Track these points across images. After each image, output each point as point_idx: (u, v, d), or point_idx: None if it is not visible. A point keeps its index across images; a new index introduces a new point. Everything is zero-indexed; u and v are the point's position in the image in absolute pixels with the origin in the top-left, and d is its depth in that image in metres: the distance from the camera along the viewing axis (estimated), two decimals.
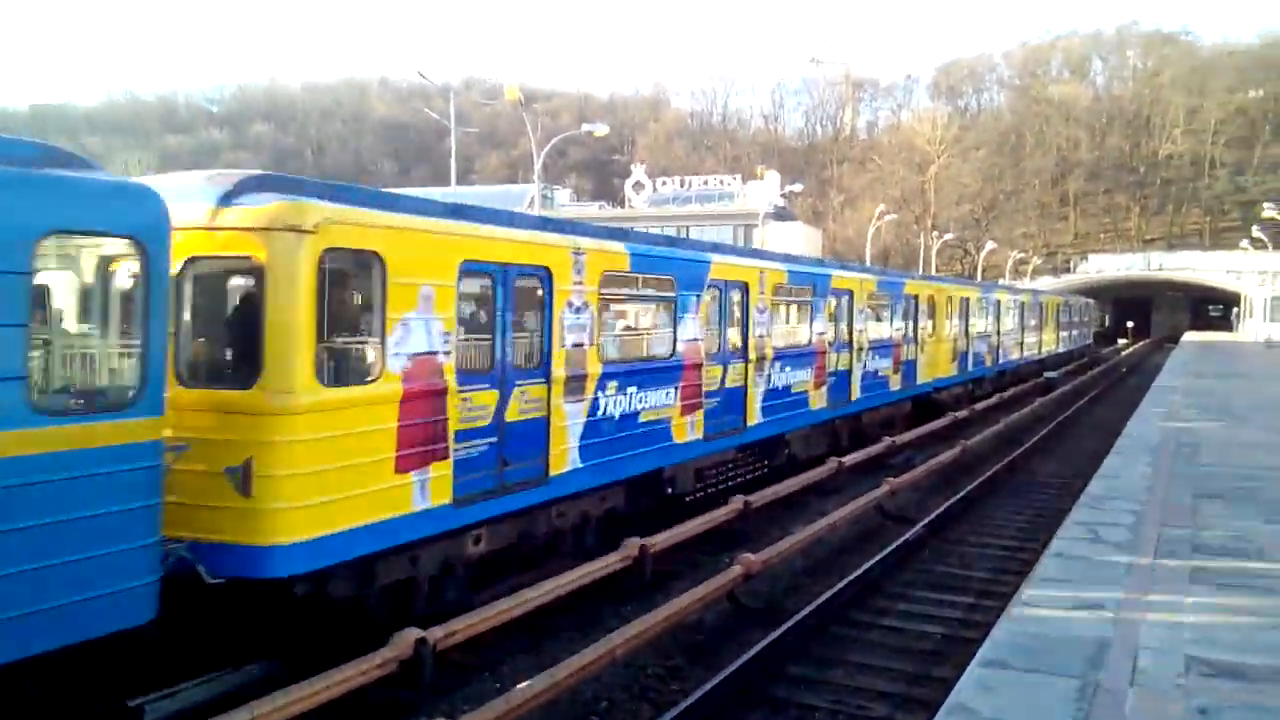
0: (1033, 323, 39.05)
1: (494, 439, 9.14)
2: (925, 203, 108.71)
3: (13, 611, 5.43)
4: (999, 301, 32.64)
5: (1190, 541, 9.46)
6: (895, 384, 21.40)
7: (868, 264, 57.59)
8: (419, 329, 8.18)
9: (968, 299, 27.94)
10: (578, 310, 10.42)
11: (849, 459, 16.64)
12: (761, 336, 14.96)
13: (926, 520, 13.19)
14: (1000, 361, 32.66)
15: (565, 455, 10.19)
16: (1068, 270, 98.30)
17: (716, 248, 15.63)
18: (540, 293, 9.99)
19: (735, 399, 14.11)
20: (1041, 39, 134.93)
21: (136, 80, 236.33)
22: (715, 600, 9.59)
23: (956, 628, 9.53)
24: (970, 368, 28.36)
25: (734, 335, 14.30)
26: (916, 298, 22.90)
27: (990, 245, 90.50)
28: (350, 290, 8.25)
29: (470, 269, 8.92)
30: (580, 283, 10.46)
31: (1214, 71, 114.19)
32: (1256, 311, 69.00)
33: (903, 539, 12.12)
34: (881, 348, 20.20)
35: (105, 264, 7.13)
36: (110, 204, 6.19)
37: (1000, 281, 68.40)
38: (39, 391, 6.08)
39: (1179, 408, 21.71)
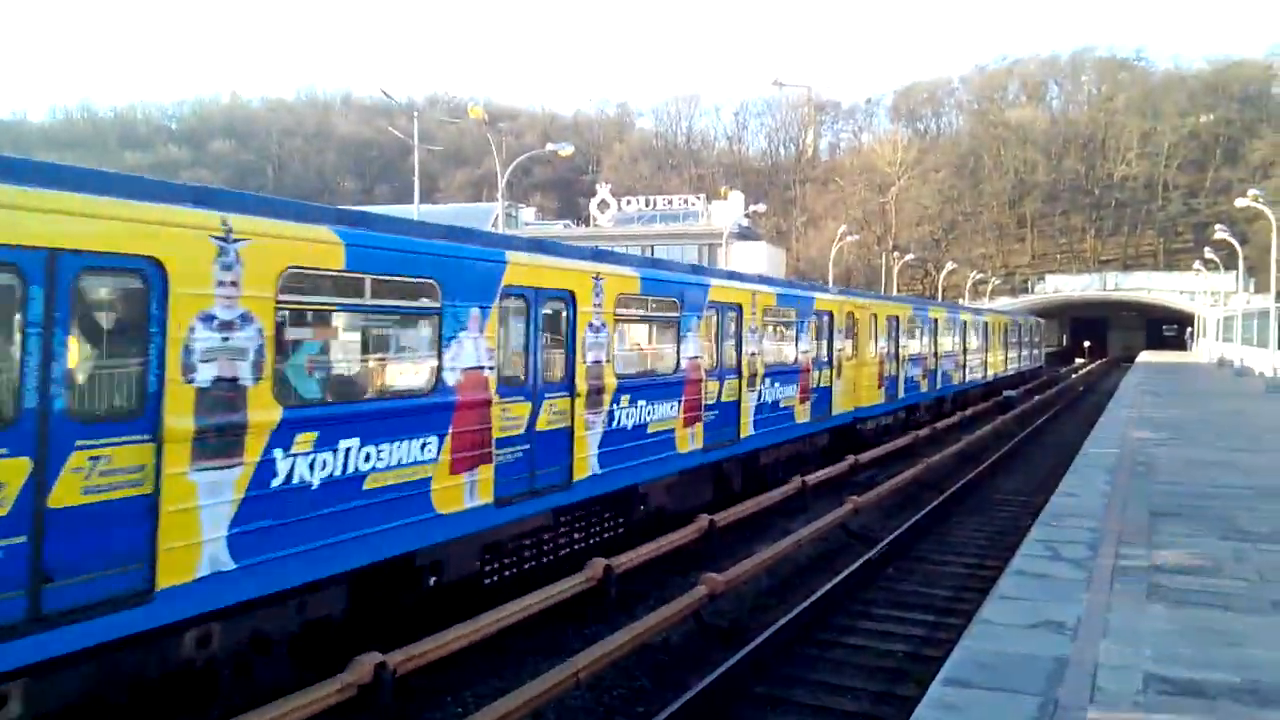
0: (976, 343, 36.51)
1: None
2: (886, 223, 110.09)
3: None
4: (936, 320, 29.69)
5: (1148, 559, 9.57)
6: (802, 415, 18.24)
7: (829, 284, 57.81)
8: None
9: (897, 317, 25.03)
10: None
11: (812, 478, 16.69)
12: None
13: (889, 539, 13.26)
14: (939, 386, 29.98)
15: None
16: (1025, 290, 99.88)
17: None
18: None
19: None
20: (998, 64, 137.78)
21: (93, 95, 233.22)
22: (680, 621, 9.56)
23: (919, 646, 9.57)
24: (902, 394, 25.38)
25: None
26: (832, 315, 19.99)
27: (950, 266, 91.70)
28: None
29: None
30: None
31: (1166, 96, 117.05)
32: (1209, 331, 70.37)
33: (865, 558, 12.17)
34: (784, 373, 17.24)
35: None
36: None
37: (960, 302, 69.21)
38: None
39: (1135, 427, 22.05)
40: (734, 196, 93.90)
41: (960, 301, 73.14)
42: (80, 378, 6.23)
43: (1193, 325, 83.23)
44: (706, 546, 12.67)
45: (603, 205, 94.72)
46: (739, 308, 15.35)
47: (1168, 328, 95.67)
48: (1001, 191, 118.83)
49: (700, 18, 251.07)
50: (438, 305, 8.84)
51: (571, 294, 10.92)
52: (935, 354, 29.19)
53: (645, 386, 12.49)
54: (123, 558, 6.18)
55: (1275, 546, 10.06)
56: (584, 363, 11.03)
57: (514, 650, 9.18)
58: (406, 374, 9.29)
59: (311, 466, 7.46)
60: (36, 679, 5.91)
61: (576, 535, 11.61)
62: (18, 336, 5.80)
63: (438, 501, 8.77)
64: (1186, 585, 8.62)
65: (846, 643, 9.69)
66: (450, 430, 8.90)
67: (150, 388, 6.38)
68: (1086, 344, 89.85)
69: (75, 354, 6.11)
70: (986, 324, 38.73)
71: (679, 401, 13.18)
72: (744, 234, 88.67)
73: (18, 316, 5.77)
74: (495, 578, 10.12)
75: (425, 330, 9.04)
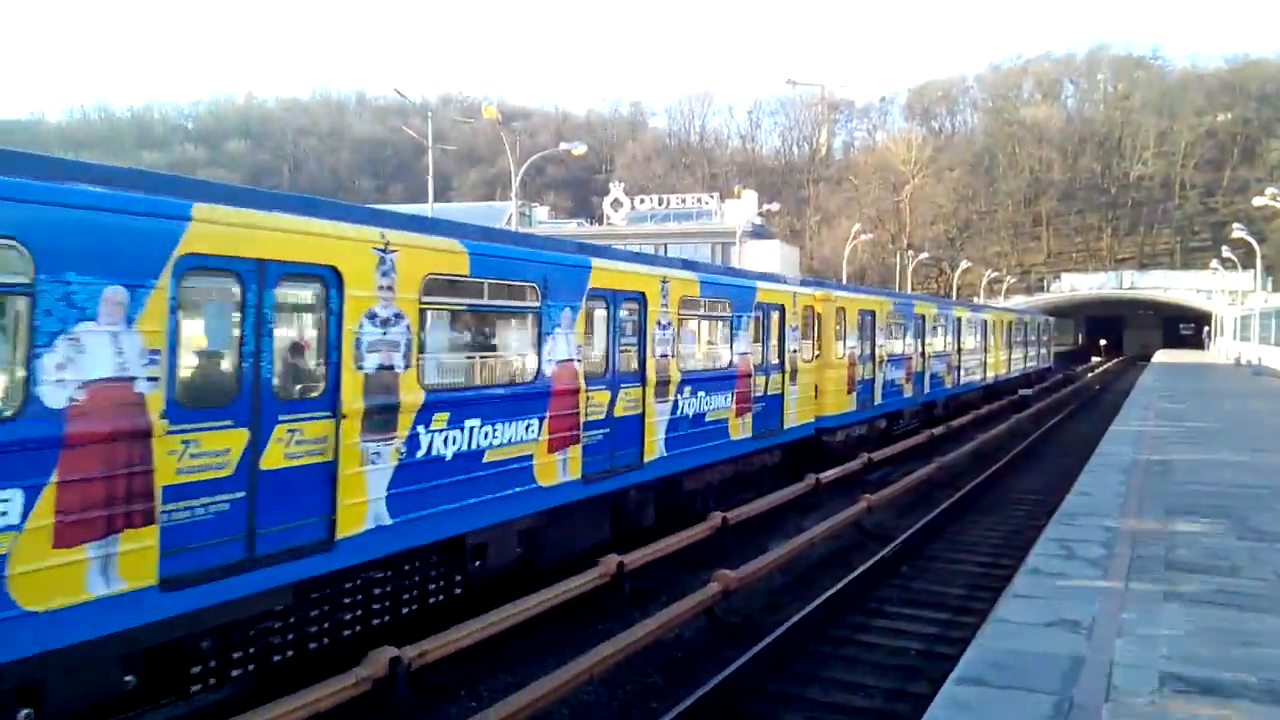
0: (973, 343, 33.06)
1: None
2: (900, 222, 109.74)
3: None
4: (924, 316, 26.37)
5: (1164, 558, 9.52)
6: (740, 430, 14.91)
7: (843, 281, 57.54)
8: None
9: (873, 312, 21.82)
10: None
11: (826, 476, 16.67)
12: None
13: (903, 537, 13.23)
14: (927, 390, 26.79)
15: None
16: (1041, 289, 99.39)
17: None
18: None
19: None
20: (1013, 62, 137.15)
21: (110, 95, 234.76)
22: (693, 617, 9.57)
23: (933, 644, 9.54)
24: (879, 399, 22.22)
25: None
26: (783, 309, 16.76)
27: (964, 264, 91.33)
28: None
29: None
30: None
31: (1183, 95, 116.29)
32: (1227, 330, 69.89)
33: (879, 555, 12.14)
34: (711, 381, 14.10)
35: None
36: None
37: (974, 301, 68.87)
38: None
39: (1151, 426, 21.93)
40: (747, 195, 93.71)
41: (975, 300, 72.77)
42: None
43: (1209, 324, 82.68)
44: (719, 544, 12.67)
45: (616, 204, 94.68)
46: (642, 297, 12.33)
47: (1184, 327, 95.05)
48: (1017, 190, 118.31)
49: (713, 17, 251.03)
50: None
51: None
52: (923, 354, 26.08)
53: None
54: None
55: None
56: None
57: (527, 645, 9.20)
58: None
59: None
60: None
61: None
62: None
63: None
64: (1203, 584, 8.56)
65: (860, 640, 9.67)
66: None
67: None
68: (1102, 343, 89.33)
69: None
70: (986, 322, 35.48)
71: (539, 420, 10.30)
72: (757, 233, 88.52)
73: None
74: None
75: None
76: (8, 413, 5.58)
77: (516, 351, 10.59)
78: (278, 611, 7.41)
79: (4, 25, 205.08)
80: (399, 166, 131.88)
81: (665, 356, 12.67)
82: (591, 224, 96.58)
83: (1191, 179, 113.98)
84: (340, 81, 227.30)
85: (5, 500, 5.47)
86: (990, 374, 35.81)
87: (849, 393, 20.14)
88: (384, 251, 8.07)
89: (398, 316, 8.18)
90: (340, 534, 7.54)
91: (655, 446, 12.11)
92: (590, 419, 11.00)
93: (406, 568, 8.74)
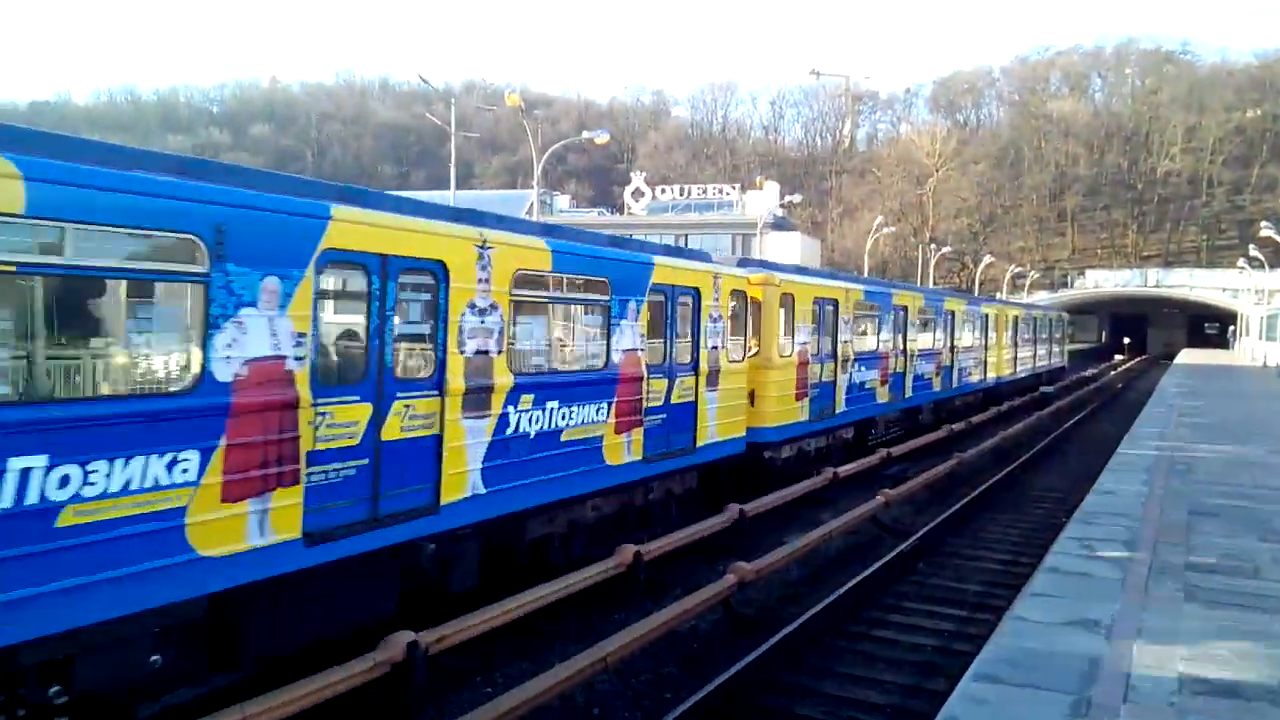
0: (971, 340, 29.28)
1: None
2: (923, 215, 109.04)
3: None
4: (905, 308, 22.51)
5: (1185, 559, 9.45)
6: (621, 452, 11.27)
7: (865, 274, 56.97)
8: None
9: (835, 301, 18.04)
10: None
11: (843, 470, 16.61)
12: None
13: (921, 533, 13.18)
14: (909, 394, 22.97)
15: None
16: (1065, 285, 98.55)
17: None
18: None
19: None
20: (1040, 55, 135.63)
21: (136, 77, 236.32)
22: (709, 608, 9.57)
23: (950, 640, 9.51)
24: (842, 406, 18.47)
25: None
26: (698, 292, 12.96)
27: (988, 259, 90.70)
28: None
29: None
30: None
31: (1212, 90, 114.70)
32: (1253, 329, 69.10)
33: (897, 550, 12.11)
34: (575, 386, 10.51)
35: None
36: None
37: (997, 296, 68.32)
38: None
39: (1174, 426, 21.74)
40: (769, 186, 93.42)
41: (997, 295, 72.14)
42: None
43: (1235, 323, 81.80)
44: (735, 536, 12.66)
45: (637, 194, 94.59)
46: (441, 268, 8.57)
47: (1210, 325, 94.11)
48: (1042, 184, 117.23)
49: (738, 6, 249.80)
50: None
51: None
52: (905, 352, 22.42)
53: None
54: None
55: None
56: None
57: (543, 633, 9.24)
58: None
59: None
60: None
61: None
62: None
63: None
64: (1224, 586, 8.50)
65: (876, 635, 9.65)
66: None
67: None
68: (1126, 341, 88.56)
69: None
70: (987, 316, 31.64)
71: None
72: (778, 224, 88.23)
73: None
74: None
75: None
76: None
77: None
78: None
79: (34, 8, 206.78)
80: (421, 153, 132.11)
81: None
82: (612, 214, 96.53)
83: (1219, 176, 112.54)
84: (364, 67, 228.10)
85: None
86: (991, 375, 32.24)
87: (799, 399, 16.53)
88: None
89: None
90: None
91: (464, 481, 8.70)
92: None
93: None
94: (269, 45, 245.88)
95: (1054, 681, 6.19)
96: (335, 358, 8.01)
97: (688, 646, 9.23)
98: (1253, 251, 69.27)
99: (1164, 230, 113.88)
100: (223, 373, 6.48)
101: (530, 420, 9.56)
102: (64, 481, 5.63)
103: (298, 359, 7.04)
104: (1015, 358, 36.54)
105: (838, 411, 18.37)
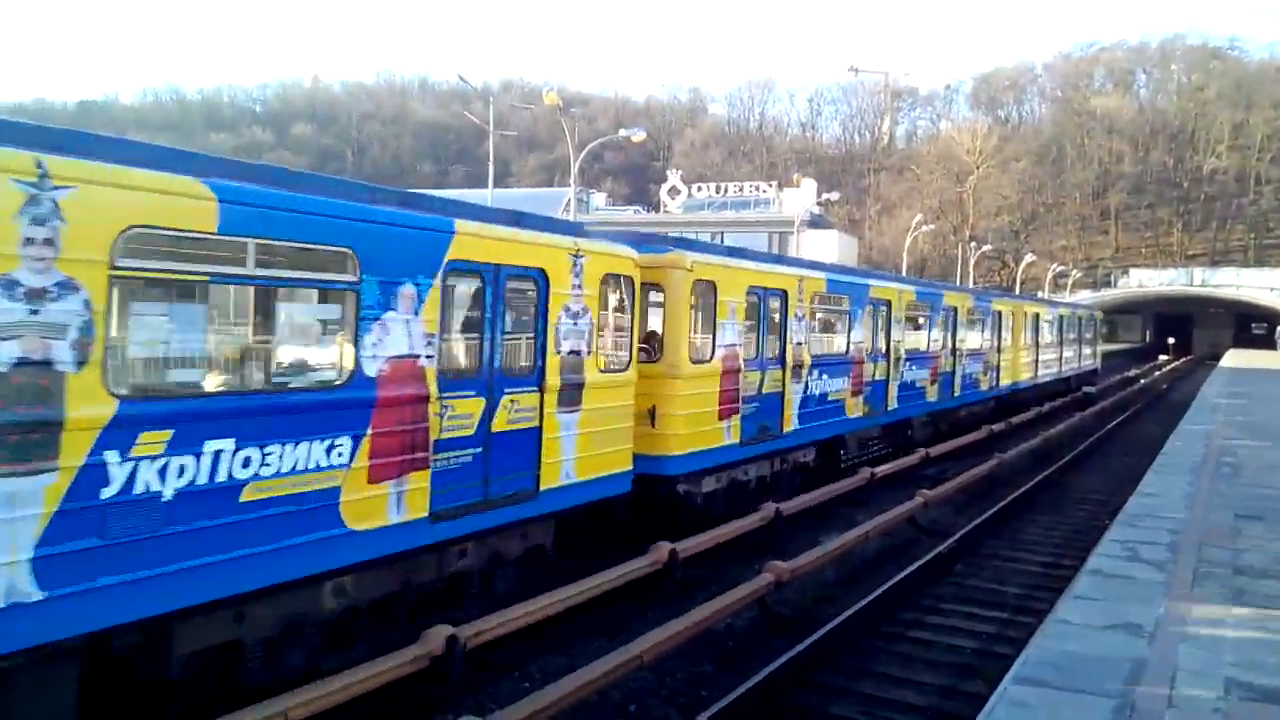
0: (979, 341, 25.61)
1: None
2: (963, 213, 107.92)
3: None
4: (889, 303, 19.08)
5: (1231, 563, 9.29)
6: (394, 510, 7.73)
7: (903, 273, 56.34)
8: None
9: (783, 292, 14.68)
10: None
11: (880, 470, 16.50)
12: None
13: (959, 534, 13.05)
14: (892, 406, 19.47)
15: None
16: (1108, 284, 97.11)
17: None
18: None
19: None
20: (1084, 51, 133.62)
21: (181, 78, 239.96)
22: (745, 607, 9.55)
23: (989, 643, 9.41)
24: (793, 424, 15.06)
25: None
26: (541, 277, 9.60)
27: (1029, 258, 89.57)
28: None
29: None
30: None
31: (1260, 87, 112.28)
32: None
33: (935, 551, 12.00)
34: (299, 412, 7.16)
35: None
36: None
37: (1039, 295, 67.33)
38: None
39: (1219, 428, 21.34)
40: (806, 184, 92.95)
41: (1039, 295, 71.16)
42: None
43: None
44: (773, 535, 12.62)
45: (673, 191, 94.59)
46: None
47: (1257, 326, 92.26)
48: (1085, 182, 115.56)
49: (776, 3, 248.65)
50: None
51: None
52: (888, 355, 19.06)
53: None
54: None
55: None
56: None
57: (579, 630, 9.26)
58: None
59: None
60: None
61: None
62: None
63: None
64: (1272, 590, 8.34)
65: (913, 636, 9.57)
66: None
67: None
68: (1170, 341, 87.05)
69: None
70: (1000, 314, 27.52)
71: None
72: (815, 222, 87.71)
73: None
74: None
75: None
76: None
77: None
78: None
79: (82, 9, 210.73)
80: (460, 151, 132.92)
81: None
82: (649, 211, 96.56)
83: (1267, 173, 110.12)
84: (403, 66, 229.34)
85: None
86: (1005, 380, 28.02)
87: (724, 417, 13.08)
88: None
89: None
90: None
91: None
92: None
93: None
94: (311, 45, 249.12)
95: (1097, 685, 6.11)
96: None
97: (723, 645, 9.22)
98: None
99: (1210, 229, 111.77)
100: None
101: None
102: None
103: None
104: (1036, 361, 31.76)
105: (788, 430, 14.94)
